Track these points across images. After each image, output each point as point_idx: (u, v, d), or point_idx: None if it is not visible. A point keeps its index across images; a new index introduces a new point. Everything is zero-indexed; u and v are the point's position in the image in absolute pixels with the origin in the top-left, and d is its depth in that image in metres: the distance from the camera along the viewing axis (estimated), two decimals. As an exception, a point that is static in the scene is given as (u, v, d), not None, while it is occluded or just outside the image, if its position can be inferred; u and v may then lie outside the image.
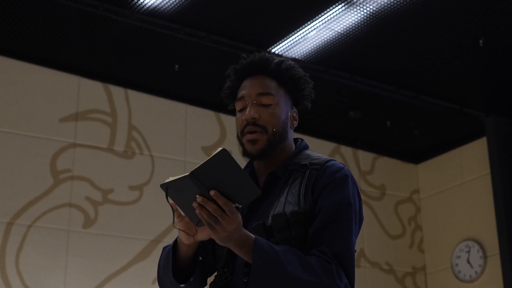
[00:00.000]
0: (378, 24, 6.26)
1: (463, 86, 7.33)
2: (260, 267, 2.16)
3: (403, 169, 8.74)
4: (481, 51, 6.62)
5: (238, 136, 2.50)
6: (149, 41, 6.51)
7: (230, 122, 7.44)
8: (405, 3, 5.98)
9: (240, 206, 2.14)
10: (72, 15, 6.13)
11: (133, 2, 6.01)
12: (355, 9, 6.09)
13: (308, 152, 2.51)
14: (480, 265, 7.90)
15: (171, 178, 2.15)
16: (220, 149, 2.06)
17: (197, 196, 2.11)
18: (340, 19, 6.21)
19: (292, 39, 6.50)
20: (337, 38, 6.47)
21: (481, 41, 6.46)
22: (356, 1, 5.99)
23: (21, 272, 6.31)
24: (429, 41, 6.55)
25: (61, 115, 6.83)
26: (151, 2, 6.01)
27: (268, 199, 2.40)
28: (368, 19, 6.20)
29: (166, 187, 2.16)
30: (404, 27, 6.34)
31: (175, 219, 2.29)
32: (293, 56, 6.72)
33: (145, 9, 6.10)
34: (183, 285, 2.38)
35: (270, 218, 2.34)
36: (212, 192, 2.09)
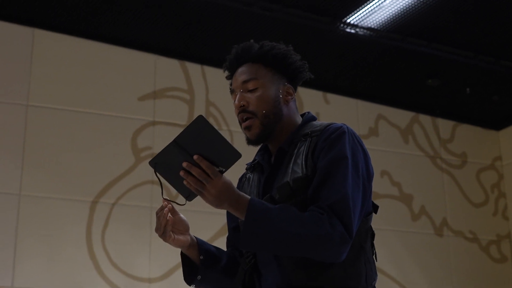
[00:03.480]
0: (454, -11, 6.15)
1: (545, 49, 7.17)
2: (250, 225, 2.26)
3: (484, 136, 8.60)
4: None
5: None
6: (222, 17, 6.52)
7: (306, 95, 7.42)
8: (482, -34, 5.87)
9: (224, 170, 2.25)
10: (147, -6, 6.20)
11: (206, -21, 6.04)
12: (430, -25, 6.00)
13: (313, 122, 2.58)
14: None
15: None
16: (198, 116, 2.20)
17: (183, 162, 2.22)
18: (416, -14, 6.12)
19: (368, 8, 6.42)
20: (413, 5, 6.37)
21: (562, 2, 6.31)
22: (431, -33, 5.90)
23: (107, 249, 6.45)
24: (508, 4, 6.41)
25: (139, 94, 6.92)
26: (224, -23, 6.03)
27: (280, 174, 2.48)
28: (444, -16, 6.10)
29: (154, 163, 2.26)
30: (481, -9, 6.22)
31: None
32: (369, 25, 6.65)
33: (219, -15, 6.12)
34: (193, 285, 2.59)
35: (275, 189, 2.43)
36: (195, 157, 2.22)
